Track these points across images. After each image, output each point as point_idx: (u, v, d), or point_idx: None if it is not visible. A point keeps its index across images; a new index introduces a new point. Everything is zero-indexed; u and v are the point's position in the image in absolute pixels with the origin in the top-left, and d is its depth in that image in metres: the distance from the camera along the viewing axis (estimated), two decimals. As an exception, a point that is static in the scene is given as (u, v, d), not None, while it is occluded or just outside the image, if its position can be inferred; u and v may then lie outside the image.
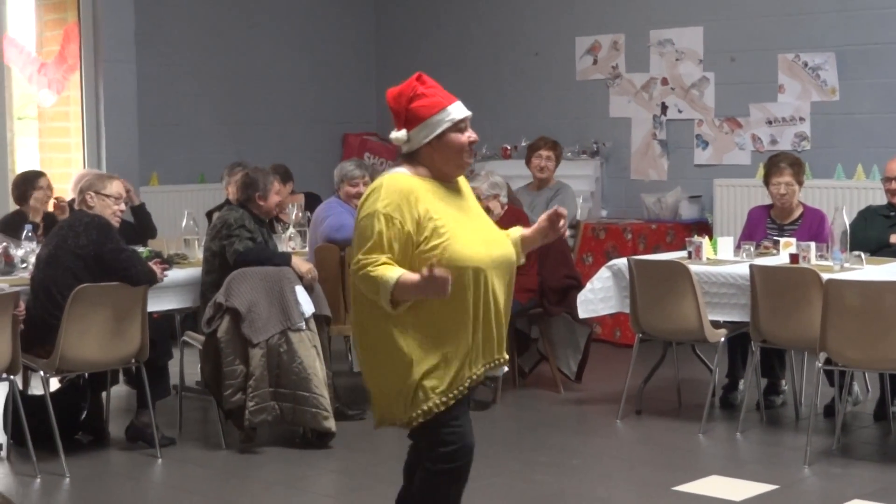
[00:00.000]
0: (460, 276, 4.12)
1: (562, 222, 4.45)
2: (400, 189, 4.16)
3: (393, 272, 4.07)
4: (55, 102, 10.65)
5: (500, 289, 4.29)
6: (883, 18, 9.57)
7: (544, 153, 9.50)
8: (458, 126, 4.27)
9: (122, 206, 6.98)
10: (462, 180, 4.43)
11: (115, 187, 6.92)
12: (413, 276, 4.05)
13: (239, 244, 7.11)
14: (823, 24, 9.86)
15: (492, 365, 4.31)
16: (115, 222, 6.87)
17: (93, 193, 6.84)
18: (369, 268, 4.09)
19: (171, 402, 7.54)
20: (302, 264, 7.27)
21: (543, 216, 4.49)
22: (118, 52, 10.44)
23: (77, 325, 6.48)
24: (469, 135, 4.30)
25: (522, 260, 4.50)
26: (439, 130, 4.25)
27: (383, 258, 4.10)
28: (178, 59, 11.23)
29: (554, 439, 7.17)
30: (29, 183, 8.59)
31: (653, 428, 7.44)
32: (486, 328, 4.25)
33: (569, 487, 6.29)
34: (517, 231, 4.54)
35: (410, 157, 4.30)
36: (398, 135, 4.31)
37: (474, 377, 4.24)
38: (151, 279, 6.81)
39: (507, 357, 4.39)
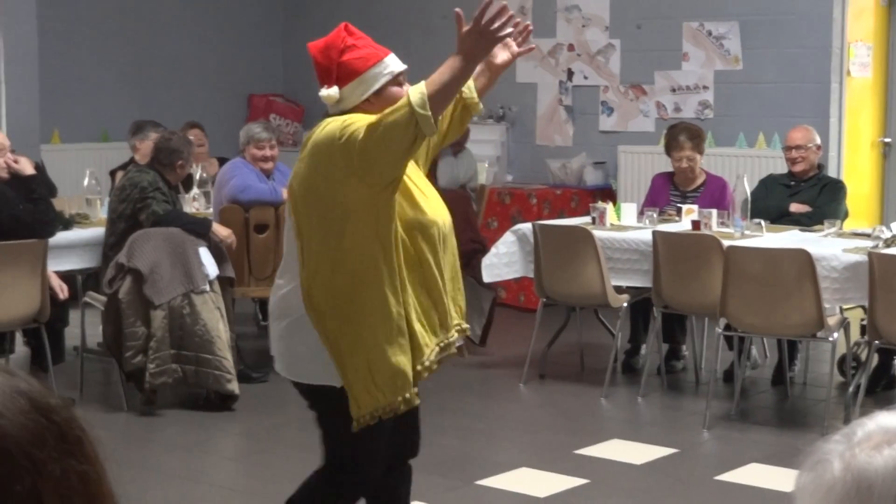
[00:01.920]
0: (428, 231, 3.82)
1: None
2: None
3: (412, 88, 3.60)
4: (-47, 57, 10.42)
5: (451, 254, 3.96)
6: (786, -11, 9.68)
7: None
8: (396, 79, 3.85)
9: (8, 157, 6.82)
10: None
11: None
12: (441, 68, 3.59)
13: (157, 206, 7.02)
14: (728, -6, 9.95)
15: (442, 345, 3.94)
16: (3, 174, 6.74)
17: None
18: (383, 117, 3.58)
19: (72, 363, 7.45)
20: (221, 229, 7.22)
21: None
22: (19, 7, 10.23)
23: (-25, 284, 6.38)
24: (408, 88, 3.78)
25: (479, 103, 4.01)
26: (378, 85, 3.80)
27: None
28: (80, 15, 11.05)
29: (458, 403, 7.20)
30: None
31: (556, 392, 7.51)
32: (439, 298, 3.90)
33: (472, 451, 6.33)
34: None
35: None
36: (329, 92, 3.79)
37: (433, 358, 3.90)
38: (54, 223, 6.74)
39: (460, 330, 3.99)
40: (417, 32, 11.65)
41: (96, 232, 7.37)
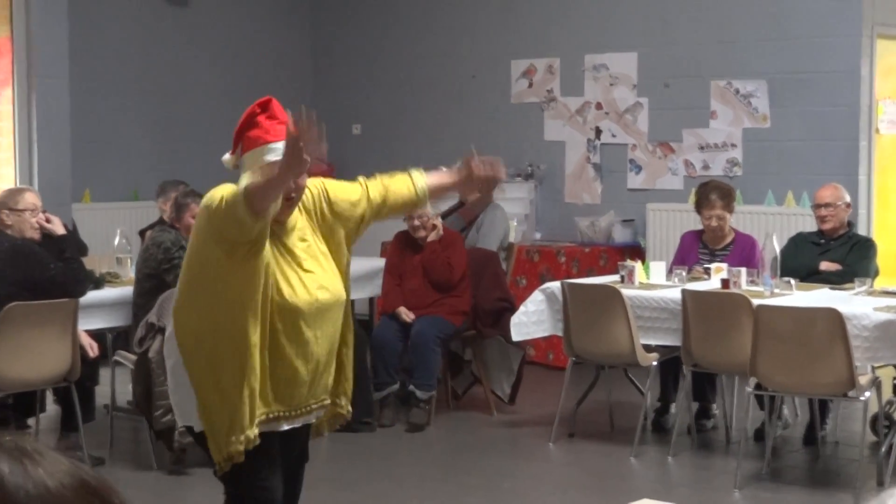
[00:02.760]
0: (288, 314, 3.98)
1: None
2: None
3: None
4: (-14, 118, 10.52)
5: (320, 333, 4.08)
6: (813, 47, 9.70)
7: None
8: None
9: (40, 216, 6.89)
10: (303, 219, 4.19)
11: (29, 199, 6.86)
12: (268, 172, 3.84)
13: None
14: (755, 52, 9.98)
15: (279, 415, 4.08)
16: (35, 235, 6.79)
17: (7, 211, 6.77)
18: (229, 192, 3.86)
19: (102, 421, 7.47)
20: None
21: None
22: (51, 68, 10.34)
23: (7, 343, 6.40)
24: (303, 177, 4.02)
25: (430, 208, 4.31)
26: (258, 166, 4.01)
27: None
28: (111, 76, 11.16)
29: (486, 462, 7.18)
30: None
31: (585, 451, 7.47)
32: (302, 370, 4.07)
33: (501, 510, 6.29)
34: (423, 178, 4.32)
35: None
36: (225, 157, 4.22)
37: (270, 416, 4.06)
38: (86, 282, 6.77)
39: (321, 406, 4.23)
40: (444, 92, 11.71)
41: (126, 291, 7.41)
